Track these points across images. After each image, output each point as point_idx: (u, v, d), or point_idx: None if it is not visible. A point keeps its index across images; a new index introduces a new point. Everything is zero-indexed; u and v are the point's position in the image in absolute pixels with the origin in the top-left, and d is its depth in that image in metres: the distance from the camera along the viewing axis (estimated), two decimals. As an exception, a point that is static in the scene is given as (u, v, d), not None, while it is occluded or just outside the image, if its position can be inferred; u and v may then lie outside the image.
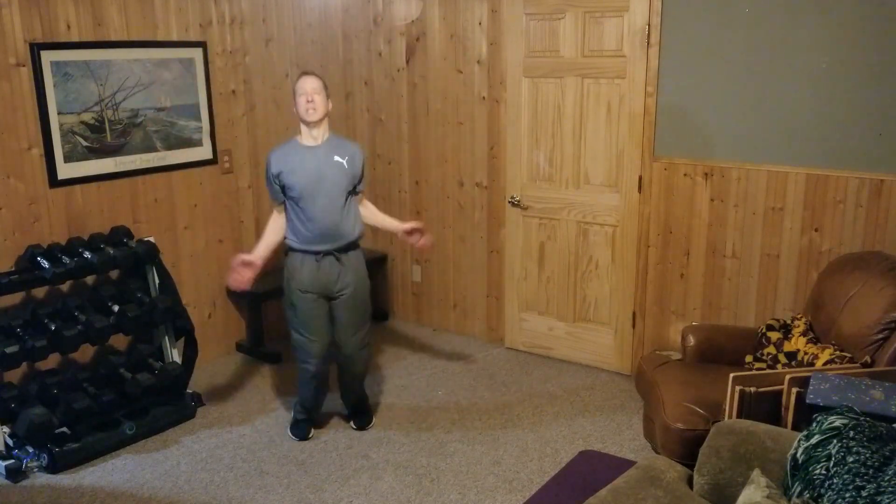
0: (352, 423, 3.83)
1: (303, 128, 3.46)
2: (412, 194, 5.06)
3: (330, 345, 3.59)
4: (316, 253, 3.44)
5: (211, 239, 4.56)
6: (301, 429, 3.75)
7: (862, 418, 2.10)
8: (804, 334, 3.21)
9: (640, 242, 4.20)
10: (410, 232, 3.64)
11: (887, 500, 1.81)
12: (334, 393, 3.91)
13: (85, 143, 3.88)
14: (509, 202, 4.59)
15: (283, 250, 3.60)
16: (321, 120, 3.43)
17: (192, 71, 4.31)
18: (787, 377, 2.54)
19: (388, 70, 4.97)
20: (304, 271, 3.46)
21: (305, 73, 3.49)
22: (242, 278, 3.44)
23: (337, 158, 3.44)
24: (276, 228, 3.54)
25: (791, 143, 3.65)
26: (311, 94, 3.37)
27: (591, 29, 4.11)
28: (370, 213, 3.71)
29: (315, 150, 3.43)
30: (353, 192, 3.51)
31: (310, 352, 3.55)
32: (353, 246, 3.53)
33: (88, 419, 3.56)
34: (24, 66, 3.61)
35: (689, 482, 2.34)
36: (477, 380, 4.37)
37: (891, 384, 2.39)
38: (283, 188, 3.42)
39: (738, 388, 2.60)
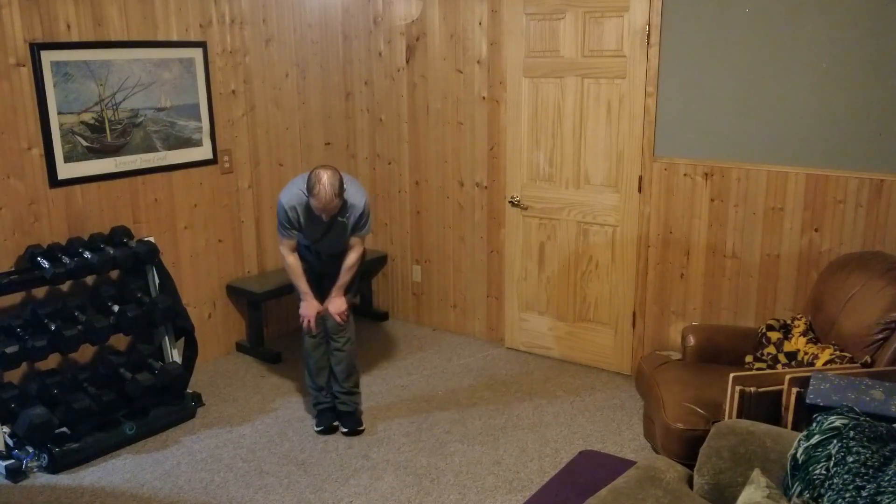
0: (341, 427, 3.79)
1: None
2: (412, 194, 5.06)
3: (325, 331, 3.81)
4: (315, 253, 3.79)
5: (211, 239, 4.56)
6: (325, 417, 3.79)
7: (862, 418, 2.10)
8: (804, 334, 3.21)
9: (640, 242, 4.20)
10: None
11: (887, 500, 1.81)
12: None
13: (85, 143, 3.88)
14: (509, 202, 4.59)
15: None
16: None
17: (192, 71, 4.31)
18: (787, 377, 2.54)
19: (388, 70, 4.97)
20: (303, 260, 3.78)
21: (321, 183, 3.34)
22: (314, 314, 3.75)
23: (340, 219, 3.59)
24: (297, 261, 3.72)
25: (791, 143, 3.65)
26: (326, 213, 3.45)
27: (591, 29, 4.11)
28: (345, 259, 3.73)
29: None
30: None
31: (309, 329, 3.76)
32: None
33: (88, 419, 3.56)
34: (24, 66, 3.61)
35: (689, 482, 2.34)
36: (477, 380, 4.37)
37: (891, 384, 2.39)
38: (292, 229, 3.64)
39: (738, 388, 2.60)
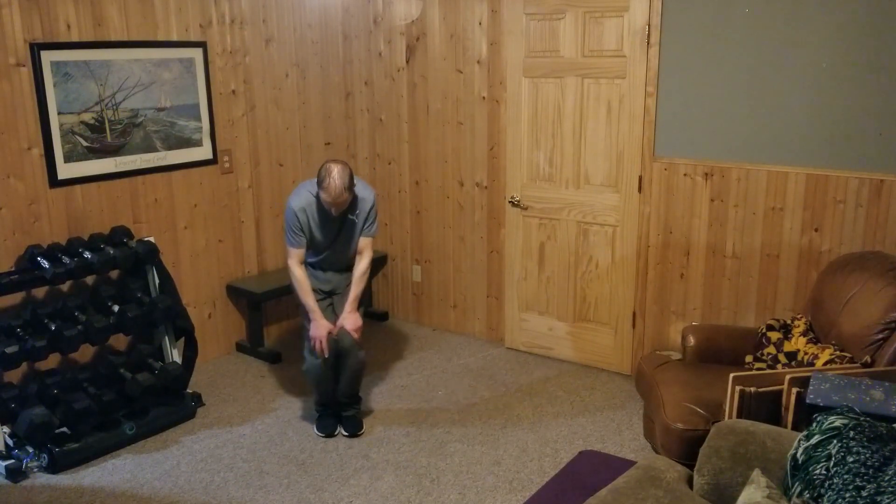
0: (342, 429, 3.78)
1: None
2: (412, 194, 5.06)
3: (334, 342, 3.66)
4: (323, 269, 3.75)
5: (211, 239, 4.56)
6: (325, 424, 3.75)
7: (862, 418, 2.10)
8: (804, 334, 3.21)
9: (640, 242, 4.20)
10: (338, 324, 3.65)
11: (887, 500, 1.81)
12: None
13: (85, 143, 3.88)
14: (509, 202, 4.59)
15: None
16: None
17: (192, 71, 4.31)
18: (787, 377, 2.54)
19: (388, 70, 4.97)
20: (312, 278, 3.71)
21: (332, 175, 3.32)
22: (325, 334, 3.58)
23: (350, 217, 3.57)
24: (305, 275, 3.63)
25: (791, 143, 3.65)
26: (336, 207, 3.42)
27: (591, 29, 4.11)
28: (356, 267, 3.67)
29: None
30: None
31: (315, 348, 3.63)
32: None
33: (88, 419, 3.56)
34: (24, 66, 3.61)
35: (689, 482, 2.34)
36: (477, 380, 4.37)
37: (891, 384, 2.39)
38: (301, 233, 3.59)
39: (738, 388, 2.60)
